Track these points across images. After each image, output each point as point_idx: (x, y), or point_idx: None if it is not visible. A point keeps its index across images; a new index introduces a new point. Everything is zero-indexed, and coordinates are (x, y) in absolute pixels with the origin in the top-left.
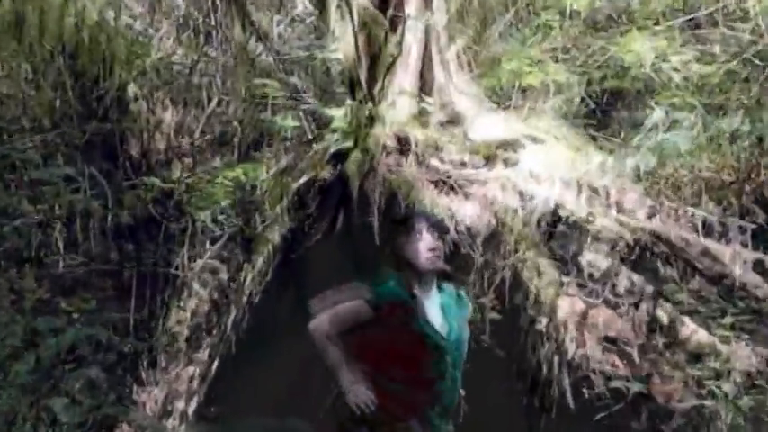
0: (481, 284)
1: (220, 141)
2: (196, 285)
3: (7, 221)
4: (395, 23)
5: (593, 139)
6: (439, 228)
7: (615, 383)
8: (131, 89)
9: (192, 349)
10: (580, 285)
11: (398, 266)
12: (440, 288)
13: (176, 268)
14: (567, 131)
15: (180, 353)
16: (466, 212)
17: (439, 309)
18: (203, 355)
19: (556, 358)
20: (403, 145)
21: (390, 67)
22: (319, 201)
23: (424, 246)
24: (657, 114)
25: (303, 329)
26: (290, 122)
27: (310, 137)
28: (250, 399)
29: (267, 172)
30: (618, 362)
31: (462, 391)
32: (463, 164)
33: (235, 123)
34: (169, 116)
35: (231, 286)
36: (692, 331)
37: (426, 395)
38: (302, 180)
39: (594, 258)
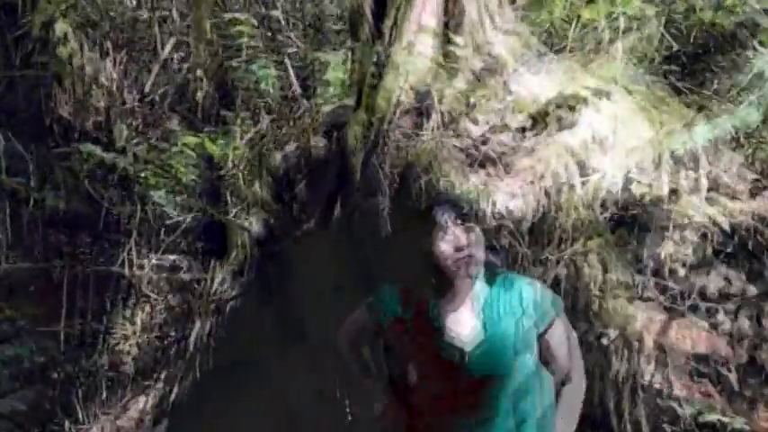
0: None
1: (179, 97)
2: (148, 289)
3: None
4: None
5: (678, 91)
6: (470, 219)
7: (707, 417)
8: (59, 27)
9: (144, 375)
10: (660, 287)
11: (420, 269)
12: (491, 282)
13: (121, 266)
14: (641, 82)
15: (127, 379)
16: (507, 191)
17: (475, 316)
18: (158, 382)
19: (628, 384)
20: (423, 102)
21: None
22: (310, 177)
23: (450, 245)
24: (763, 59)
25: (291, 348)
26: (271, 72)
27: (297, 91)
28: None
29: (241, 138)
30: (710, 389)
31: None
32: (503, 127)
33: (198, 73)
34: (110, 64)
35: (195, 290)
36: None
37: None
38: (288, 150)
39: (679, 251)
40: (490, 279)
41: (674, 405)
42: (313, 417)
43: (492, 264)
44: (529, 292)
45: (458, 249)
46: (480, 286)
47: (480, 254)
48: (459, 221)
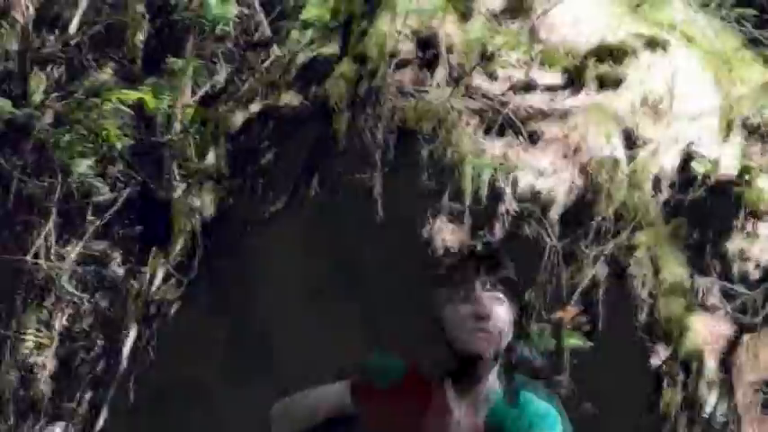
0: (557, 290)
1: (110, 40)
2: (69, 285)
3: None
4: None
5: (754, 41)
6: (503, 283)
7: None
8: None
9: (62, 394)
10: (727, 293)
11: (427, 336)
12: (509, 393)
13: (36, 256)
14: (707, 29)
15: (41, 401)
16: (533, 167)
17: (480, 419)
18: (81, 404)
19: (683, 417)
20: (427, 51)
21: None
22: (280, 145)
23: (470, 310)
24: None
25: (250, 372)
26: (230, 8)
27: (266, 34)
28: None
29: (192, 94)
30: None
31: None
32: (529, 85)
33: (137, 8)
34: None
35: (129, 287)
36: None
37: None
38: (251, 109)
39: (751, 247)
40: (506, 383)
41: None
42: None
43: (526, 361)
44: (541, 422)
45: (478, 318)
46: (493, 382)
47: (504, 333)
48: (489, 286)
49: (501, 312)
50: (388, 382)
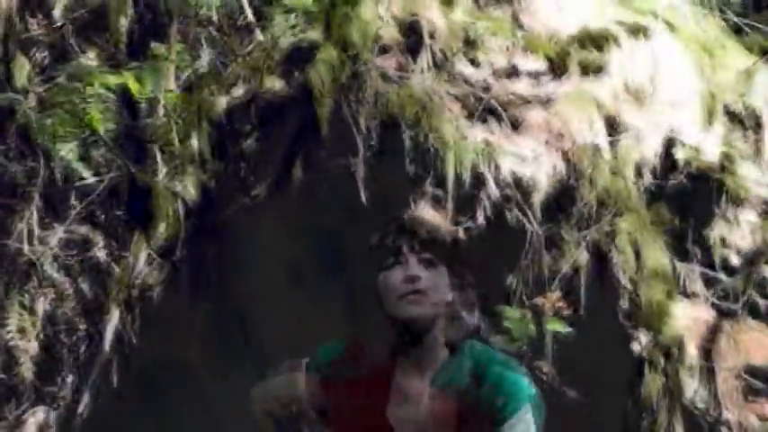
0: (539, 276)
1: (94, 25)
2: (52, 269)
3: None
4: None
5: (736, 29)
6: (437, 250)
7: None
8: None
9: (46, 379)
10: (707, 279)
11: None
12: (456, 351)
13: (19, 240)
14: (690, 17)
15: (24, 385)
16: (515, 153)
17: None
18: (63, 389)
19: (664, 402)
20: (410, 36)
21: None
22: (263, 130)
23: (399, 274)
24: None
25: (232, 358)
26: None
27: (249, 19)
28: None
29: (175, 78)
30: None
31: None
32: (513, 71)
33: None
34: None
35: (111, 272)
36: None
37: None
38: (235, 94)
39: (732, 233)
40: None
41: (722, 429)
42: None
43: (469, 326)
44: (499, 378)
45: (407, 281)
46: (436, 345)
47: (438, 296)
48: (417, 248)
49: (433, 275)
50: (330, 362)
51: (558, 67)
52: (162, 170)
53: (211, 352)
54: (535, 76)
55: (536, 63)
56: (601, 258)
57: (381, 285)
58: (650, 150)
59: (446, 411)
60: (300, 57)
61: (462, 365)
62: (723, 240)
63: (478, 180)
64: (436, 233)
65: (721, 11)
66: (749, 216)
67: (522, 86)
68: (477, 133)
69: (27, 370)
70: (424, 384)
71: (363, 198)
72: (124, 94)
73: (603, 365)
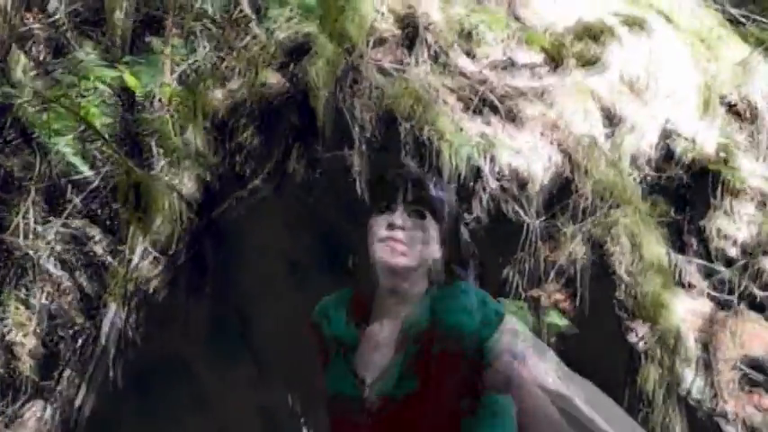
0: (536, 268)
1: (92, 18)
2: (49, 264)
3: None
4: None
5: (734, 21)
6: (427, 197)
7: None
8: None
9: (43, 374)
10: (705, 271)
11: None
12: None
13: (15, 234)
14: (686, 8)
15: (21, 379)
16: (511, 145)
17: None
18: (61, 383)
19: (661, 393)
20: (407, 29)
21: None
22: (260, 123)
23: (384, 221)
24: None
25: (230, 351)
26: None
27: (245, 12)
28: None
29: (171, 72)
30: (767, 402)
31: None
32: (510, 64)
33: None
34: None
35: (109, 265)
36: None
37: None
38: (231, 87)
39: (729, 225)
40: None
41: (721, 421)
42: None
43: (458, 277)
44: (489, 309)
45: (390, 227)
46: (418, 298)
47: (420, 250)
48: (411, 200)
49: (419, 226)
50: (339, 309)
51: (554, 60)
52: (159, 164)
53: (209, 347)
54: (532, 68)
55: (533, 56)
56: (598, 250)
57: (368, 227)
58: (647, 142)
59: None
60: (297, 50)
61: (423, 310)
62: (720, 232)
63: (475, 173)
64: (430, 187)
65: (719, 2)
66: (746, 208)
67: (518, 79)
68: (473, 126)
69: (25, 365)
70: (395, 333)
71: (360, 191)
72: (121, 89)
73: (601, 357)
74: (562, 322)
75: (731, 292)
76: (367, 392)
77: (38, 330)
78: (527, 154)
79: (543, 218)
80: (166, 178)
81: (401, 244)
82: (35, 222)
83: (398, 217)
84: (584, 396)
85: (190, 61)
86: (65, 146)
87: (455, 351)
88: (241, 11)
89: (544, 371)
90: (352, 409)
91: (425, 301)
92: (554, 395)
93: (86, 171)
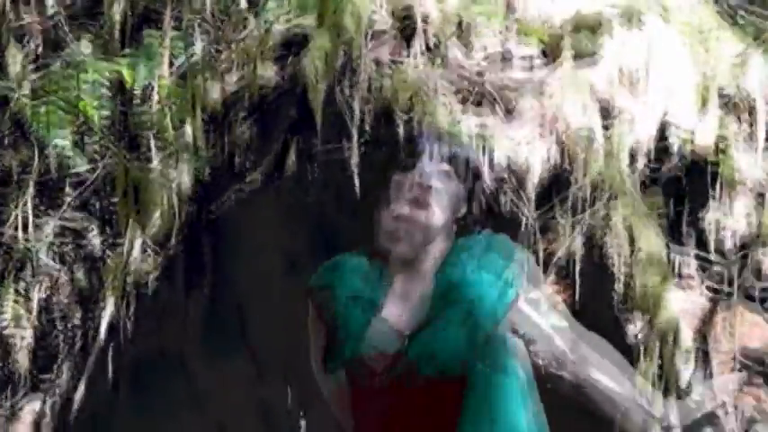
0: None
1: (89, 12)
2: (47, 258)
3: None
4: None
5: (731, 14)
6: (454, 158)
7: (760, 430)
8: None
9: (41, 368)
10: (703, 264)
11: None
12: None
13: (14, 228)
14: (686, 2)
15: (19, 374)
16: (508, 138)
17: (420, 305)
18: (59, 376)
19: (660, 387)
20: (404, 23)
21: None
22: (258, 116)
23: (410, 179)
24: None
25: (226, 347)
26: None
27: (242, 5)
28: None
29: (169, 66)
30: (765, 395)
31: None
32: (507, 57)
33: None
34: None
35: (106, 260)
36: None
37: None
38: (228, 81)
39: (727, 218)
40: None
41: (720, 414)
42: None
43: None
44: (521, 255)
45: (418, 186)
46: (441, 251)
47: (449, 203)
48: (437, 159)
49: (445, 183)
50: (355, 266)
51: (551, 53)
52: (156, 158)
53: (206, 342)
54: (529, 61)
55: (530, 49)
56: (595, 243)
57: (392, 187)
58: (644, 136)
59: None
60: (294, 43)
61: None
62: (718, 225)
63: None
64: (457, 149)
65: None
66: (743, 201)
67: (515, 72)
68: (470, 119)
69: (23, 359)
70: (425, 287)
71: (357, 185)
72: (118, 83)
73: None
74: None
75: (729, 284)
76: (406, 345)
77: (35, 324)
78: (524, 147)
79: (540, 211)
80: (164, 173)
81: (431, 204)
82: (33, 217)
83: (425, 176)
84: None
85: (187, 55)
86: (62, 140)
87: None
88: (238, 5)
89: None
90: (383, 370)
91: (454, 256)
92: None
93: (84, 165)
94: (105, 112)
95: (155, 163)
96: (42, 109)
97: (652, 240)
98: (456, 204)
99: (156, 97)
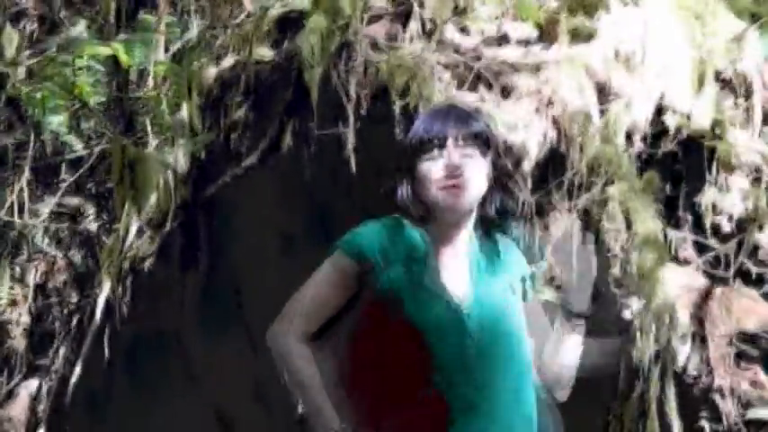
0: (530, 243)
1: None
2: (44, 241)
3: None
4: None
5: None
6: (482, 143)
7: (758, 413)
8: None
9: (37, 351)
10: (699, 246)
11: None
12: (487, 236)
13: (9, 212)
14: None
15: (15, 356)
16: (505, 121)
17: (468, 272)
18: (56, 361)
19: (656, 369)
20: (401, 6)
21: None
22: (254, 99)
23: (438, 166)
24: None
25: (222, 326)
26: None
27: None
28: None
29: (165, 50)
30: (762, 377)
31: None
32: (502, 38)
33: None
34: None
35: (102, 243)
36: None
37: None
38: (224, 64)
39: (724, 199)
40: (487, 233)
41: (716, 397)
42: (251, 418)
43: (506, 211)
44: (513, 247)
45: (448, 176)
46: (470, 242)
47: (476, 187)
48: (462, 141)
49: (472, 167)
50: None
51: (547, 34)
52: (152, 141)
53: (202, 322)
54: (525, 43)
55: (526, 30)
56: (592, 225)
57: (421, 173)
58: (641, 117)
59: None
60: (290, 25)
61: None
62: (714, 207)
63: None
64: (481, 127)
65: None
66: (740, 182)
67: (512, 54)
68: (467, 101)
69: (19, 341)
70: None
71: (353, 167)
72: (114, 66)
73: (595, 333)
74: (555, 297)
75: (726, 267)
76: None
77: (32, 307)
78: (521, 129)
79: (537, 193)
80: (160, 155)
81: (463, 186)
82: (29, 200)
83: (454, 157)
84: None
85: (183, 39)
86: (58, 123)
87: None
88: None
89: None
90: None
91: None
92: None
93: (80, 149)
94: (101, 96)
95: (151, 146)
96: (39, 92)
97: (648, 222)
98: (483, 181)
99: (151, 81)
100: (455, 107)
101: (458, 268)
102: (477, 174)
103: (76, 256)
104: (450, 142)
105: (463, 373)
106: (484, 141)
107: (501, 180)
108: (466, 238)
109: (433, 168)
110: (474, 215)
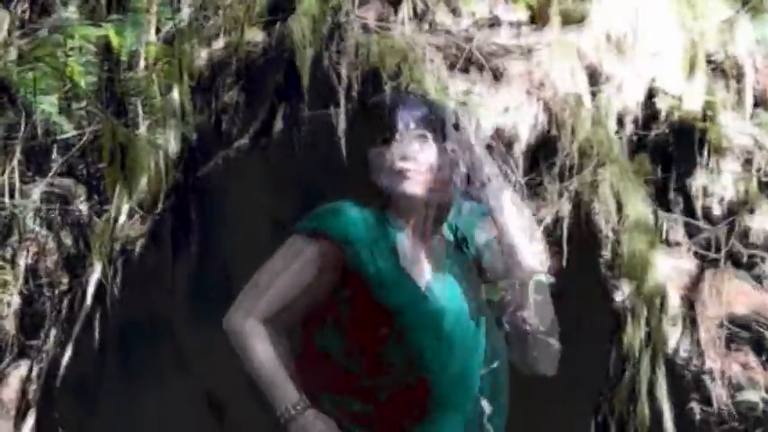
0: None
1: None
2: (33, 223)
3: None
4: None
5: None
6: (429, 121)
7: (747, 396)
8: None
9: (28, 333)
10: (689, 229)
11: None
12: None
13: (0, 193)
14: None
15: (6, 338)
16: (497, 104)
17: (437, 260)
18: (46, 343)
19: (646, 352)
20: None
21: None
22: (245, 82)
23: (393, 153)
24: None
25: (213, 312)
26: None
27: None
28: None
29: (156, 31)
30: (751, 360)
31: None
32: (493, 21)
33: None
34: None
35: (92, 224)
36: None
37: (413, 410)
38: (215, 47)
39: (714, 183)
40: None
41: (706, 380)
42: (242, 404)
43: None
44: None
45: (402, 159)
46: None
47: (433, 174)
48: (414, 122)
49: (426, 151)
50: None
51: (538, 17)
52: (143, 123)
53: (193, 306)
54: (517, 26)
55: (517, 13)
56: (583, 208)
57: (372, 160)
58: (632, 100)
59: None
60: (281, 8)
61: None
62: (705, 190)
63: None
64: (433, 110)
65: None
66: (731, 166)
67: (503, 37)
68: (458, 84)
69: (9, 324)
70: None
71: (343, 150)
72: (105, 48)
73: (585, 316)
74: (547, 280)
75: (717, 250)
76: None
77: (23, 290)
78: (512, 112)
79: (528, 176)
80: (151, 138)
81: (419, 174)
82: (19, 182)
83: (407, 146)
84: None
85: (174, 20)
86: (49, 105)
87: None
88: None
89: None
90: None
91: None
92: None
93: (71, 130)
94: (92, 78)
95: (142, 128)
96: (29, 74)
97: (639, 206)
98: (442, 169)
99: (143, 62)
100: (408, 94)
101: (421, 258)
102: (430, 155)
103: (68, 238)
104: (401, 128)
105: (428, 352)
106: (436, 128)
107: (459, 166)
108: (439, 232)
109: (384, 153)
110: (450, 211)
